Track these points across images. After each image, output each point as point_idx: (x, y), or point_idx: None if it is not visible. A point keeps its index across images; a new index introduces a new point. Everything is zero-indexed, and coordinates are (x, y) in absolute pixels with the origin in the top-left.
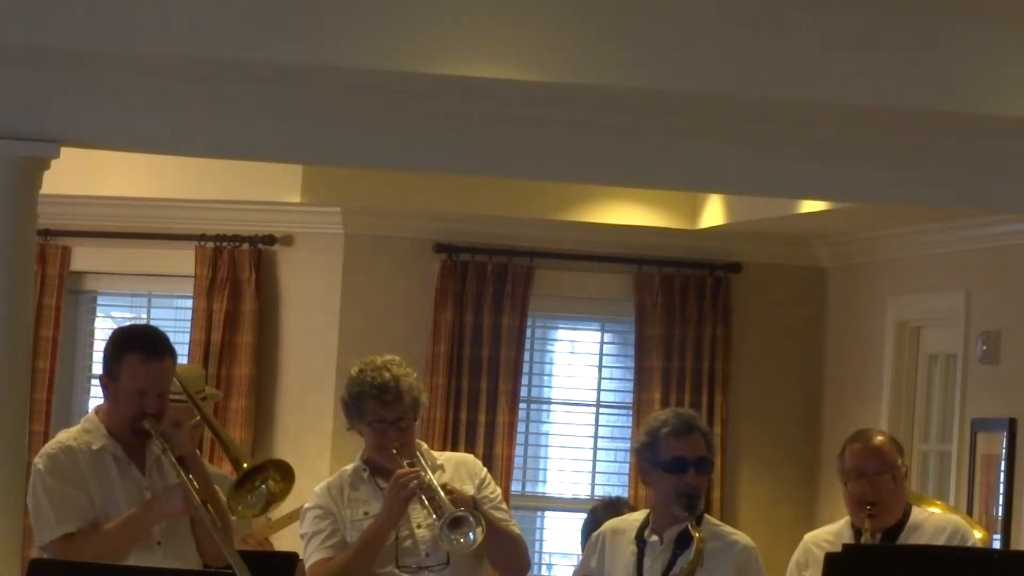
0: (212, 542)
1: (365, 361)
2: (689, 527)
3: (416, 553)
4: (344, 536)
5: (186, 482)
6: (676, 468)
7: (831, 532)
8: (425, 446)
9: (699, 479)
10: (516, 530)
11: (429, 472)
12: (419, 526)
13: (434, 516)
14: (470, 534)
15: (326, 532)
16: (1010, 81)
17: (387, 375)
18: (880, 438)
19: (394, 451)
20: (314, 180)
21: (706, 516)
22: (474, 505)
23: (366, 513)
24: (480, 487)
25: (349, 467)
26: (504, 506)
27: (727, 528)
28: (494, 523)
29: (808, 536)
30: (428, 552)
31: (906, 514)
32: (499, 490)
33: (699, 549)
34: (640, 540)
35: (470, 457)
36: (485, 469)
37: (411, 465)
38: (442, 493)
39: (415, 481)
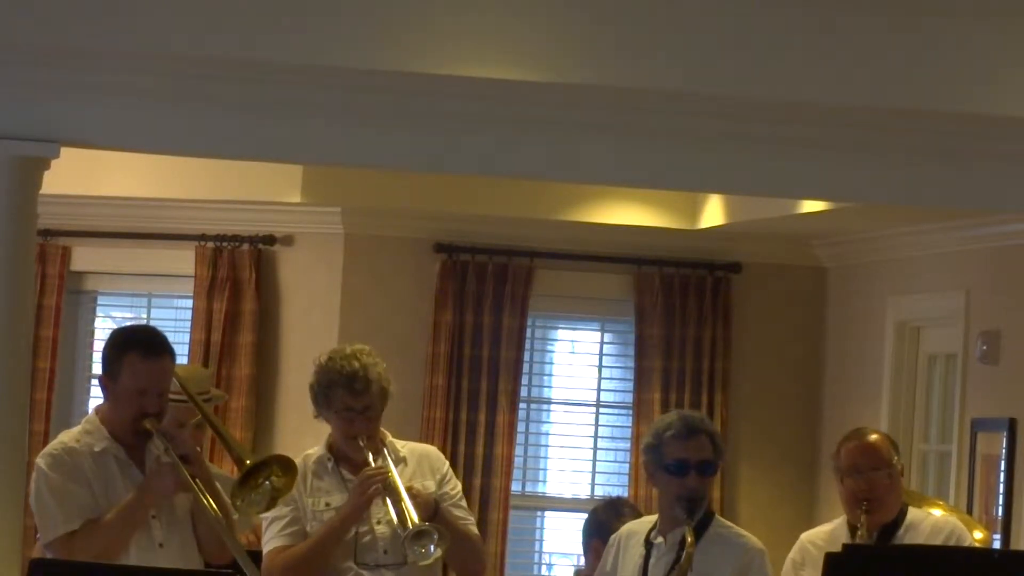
0: (215, 541)
1: (334, 350)
2: (687, 531)
3: (375, 550)
4: (304, 525)
5: (176, 459)
6: (678, 471)
7: (827, 531)
8: (389, 436)
9: (701, 482)
10: (474, 530)
11: (395, 472)
12: (379, 523)
13: (396, 520)
14: (431, 547)
15: (287, 519)
16: (1010, 81)
17: (356, 364)
18: (875, 436)
19: (361, 443)
20: (314, 180)
21: (717, 518)
22: (436, 506)
23: (328, 504)
24: (441, 483)
25: (313, 453)
26: (463, 504)
27: (737, 530)
28: (452, 524)
29: (804, 535)
30: (387, 550)
31: (903, 512)
32: (459, 486)
33: (688, 554)
34: (648, 542)
35: (433, 450)
36: (447, 464)
37: (377, 459)
38: (407, 500)
39: (380, 483)
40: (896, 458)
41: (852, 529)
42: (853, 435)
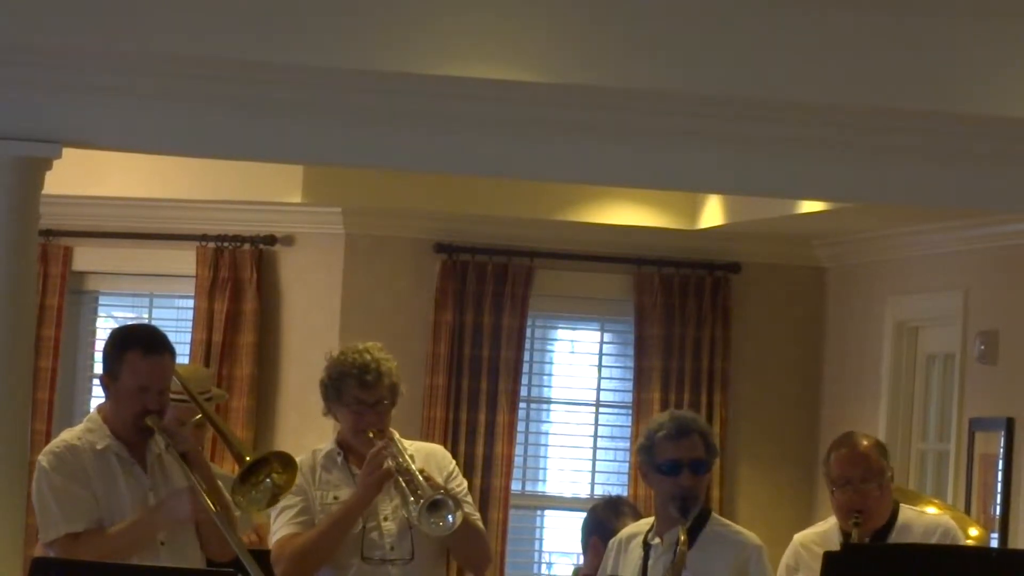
0: (217, 539)
1: (346, 346)
2: (680, 531)
3: (381, 546)
4: (313, 516)
5: (195, 484)
6: (670, 471)
7: (819, 533)
8: (397, 435)
9: (694, 481)
10: (480, 525)
11: (405, 454)
12: (386, 519)
13: (412, 498)
14: (449, 517)
15: (296, 508)
16: (1010, 81)
17: (368, 357)
18: (865, 443)
19: (371, 435)
20: (314, 180)
21: (714, 515)
22: (446, 490)
23: (336, 497)
24: (447, 480)
25: (322, 447)
26: (469, 500)
27: (734, 527)
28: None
29: (797, 537)
30: (393, 545)
31: (894, 514)
32: (465, 483)
33: (682, 552)
34: (646, 544)
35: (439, 448)
36: (453, 462)
37: (386, 442)
38: (420, 476)
39: (390, 461)
40: (886, 464)
41: (845, 536)
42: (843, 442)
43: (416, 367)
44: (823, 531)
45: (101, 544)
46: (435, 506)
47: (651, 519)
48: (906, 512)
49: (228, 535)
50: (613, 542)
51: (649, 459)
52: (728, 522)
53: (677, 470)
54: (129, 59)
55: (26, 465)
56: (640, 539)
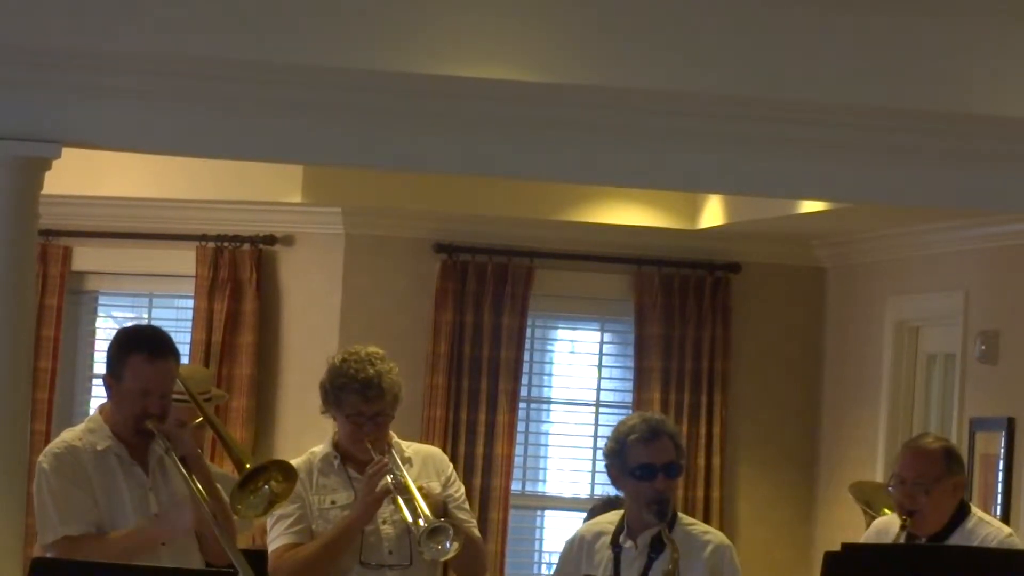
0: (215, 542)
1: (349, 351)
2: (664, 537)
3: (380, 551)
4: (310, 523)
5: (196, 494)
6: (644, 475)
7: (884, 522)
8: (395, 438)
9: (668, 484)
10: (477, 533)
11: (404, 471)
12: (384, 523)
13: (410, 518)
14: (447, 543)
15: (293, 517)
16: (1010, 81)
17: (371, 371)
18: (932, 447)
19: (368, 446)
20: (314, 180)
21: (680, 515)
22: (444, 507)
23: (333, 502)
24: (446, 485)
25: (318, 449)
26: (467, 506)
27: (701, 527)
28: (459, 526)
29: (878, 521)
30: (392, 550)
31: (957, 520)
32: (463, 489)
33: (675, 559)
34: (616, 545)
35: (438, 452)
36: (451, 466)
37: (384, 460)
38: (419, 497)
39: (388, 477)
40: (950, 473)
41: (902, 530)
42: (914, 441)
43: (416, 367)
44: (888, 519)
45: (99, 550)
46: (434, 532)
47: (613, 515)
48: (973, 519)
49: (223, 542)
50: (573, 540)
51: (620, 463)
52: (694, 520)
53: (652, 474)
54: (129, 59)
55: (26, 465)
56: (607, 540)
